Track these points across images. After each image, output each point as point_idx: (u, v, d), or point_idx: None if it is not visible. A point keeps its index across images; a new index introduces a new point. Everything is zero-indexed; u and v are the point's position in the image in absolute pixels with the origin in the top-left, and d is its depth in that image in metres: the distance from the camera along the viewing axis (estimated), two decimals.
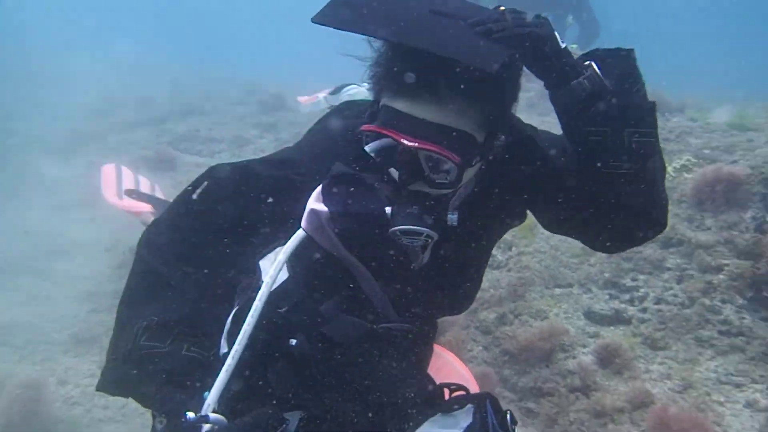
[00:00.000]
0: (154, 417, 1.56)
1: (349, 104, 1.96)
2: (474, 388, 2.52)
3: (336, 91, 3.16)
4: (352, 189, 1.55)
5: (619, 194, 1.58)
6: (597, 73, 1.48)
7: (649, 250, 4.49)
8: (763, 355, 3.56)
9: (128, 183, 4.46)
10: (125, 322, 1.63)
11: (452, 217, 1.54)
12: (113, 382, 1.63)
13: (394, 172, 1.54)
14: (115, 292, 6.33)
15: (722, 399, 3.43)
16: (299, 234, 1.60)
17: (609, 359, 3.96)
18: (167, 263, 1.67)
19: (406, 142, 1.42)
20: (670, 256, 4.40)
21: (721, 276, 4.00)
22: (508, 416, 1.67)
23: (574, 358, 4.09)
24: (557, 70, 1.48)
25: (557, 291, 4.76)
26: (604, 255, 4.73)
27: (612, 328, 4.29)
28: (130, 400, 3.98)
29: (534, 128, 1.80)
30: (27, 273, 6.88)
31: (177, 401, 1.50)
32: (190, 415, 1.41)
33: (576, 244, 5.05)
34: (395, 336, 1.74)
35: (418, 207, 1.49)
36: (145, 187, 4.49)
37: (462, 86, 1.39)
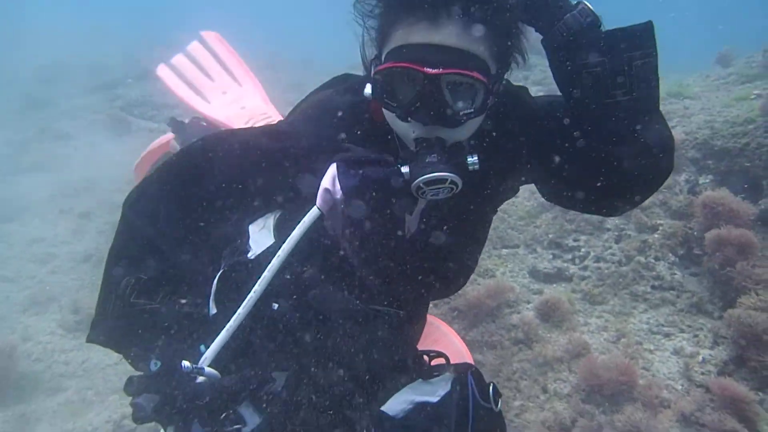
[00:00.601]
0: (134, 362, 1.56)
1: (345, 77, 1.91)
2: (468, 361, 2.51)
3: None
4: (365, 164, 1.48)
5: (620, 131, 1.52)
6: (588, 6, 1.47)
7: None
8: (690, 307, 3.77)
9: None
10: (114, 280, 1.61)
11: (472, 160, 1.48)
12: (105, 335, 1.62)
13: (409, 128, 1.47)
14: (72, 253, 6.29)
15: (652, 347, 3.63)
16: (314, 212, 1.54)
17: (549, 314, 4.14)
18: (154, 224, 1.63)
19: (428, 70, 1.35)
20: (609, 218, 4.58)
21: (656, 235, 4.20)
22: (491, 388, 1.65)
23: (518, 313, 4.25)
24: (551, 7, 1.49)
25: (504, 251, 4.91)
26: (549, 217, 4.90)
27: (554, 285, 4.47)
28: (91, 356, 4.02)
29: (524, 88, 1.73)
30: None
31: (174, 349, 1.51)
32: (186, 364, 1.40)
33: (522, 207, 5.22)
34: (384, 318, 1.68)
35: (437, 155, 1.43)
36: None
37: (475, 11, 1.35)
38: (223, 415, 1.44)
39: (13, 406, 4.04)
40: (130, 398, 1.40)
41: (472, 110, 1.41)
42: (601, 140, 1.55)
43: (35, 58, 14.92)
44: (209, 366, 1.50)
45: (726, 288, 3.68)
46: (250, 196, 1.66)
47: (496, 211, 1.86)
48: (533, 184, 1.87)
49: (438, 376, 1.63)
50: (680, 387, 3.30)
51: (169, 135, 3.95)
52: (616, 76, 1.48)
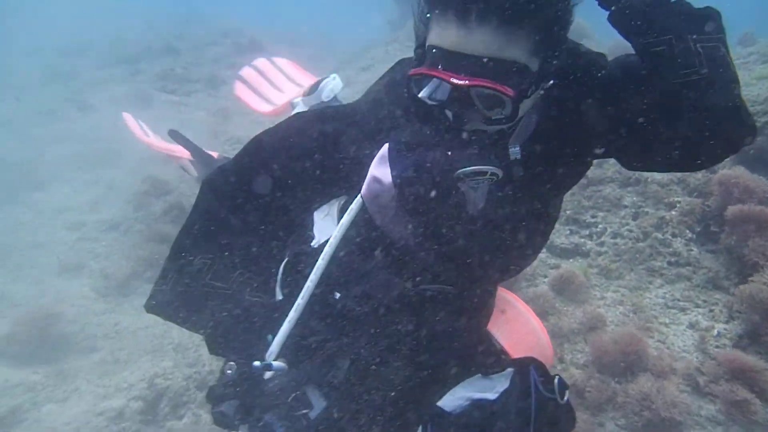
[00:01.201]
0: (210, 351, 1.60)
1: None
2: (545, 340, 2.45)
3: (312, 90, 2.82)
4: (414, 149, 1.46)
5: (697, 101, 1.41)
6: None
7: (608, 189, 4.70)
8: (706, 282, 3.81)
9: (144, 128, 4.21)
10: (184, 255, 1.63)
11: (514, 151, 1.46)
12: (166, 307, 1.66)
13: (449, 114, 1.43)
14: (99, 222, 6.40)
15: (667, 321, 3.69)
16: (359, 200, 1.54)
17: (565, 287, 4.19)
18: (230, 207, 1.65)
19: (455, 81, 1.32)
20: (627, 195, 4.61)
21: (674, 212, 4.23)
22: (556, 380, 1.60)
23: (535, 286, 4.31)
24: None
25: None
26: (567, 194, 4.93)
27: (571, 260, 4.52)
28: (121, 319, 4.12)
29: (601, 54, 1.60)
30: (9, 203, 6.84)
31: (244, 342, 1.55)
32: (256, 364, 1.43)
33: None
34: (437, 298, 1.65)
35: (477, 146, 1.40)
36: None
37: (508, 11, 1.27)
38: (292, 396, 1.47)
39: (53, 364, 4.18)
40: (211, 405, 1.46)
41: (503, 117, 1.36)
42: (682, 105, 1.44)
43: (56, 32, 14.98)
44: (278, 357, 1.52)
45: (742, 264, 3.72)
46: (315, 180, 1.65)
47: (571, 187, 1.77)
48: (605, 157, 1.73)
49: (498, 372, 1.59)
50: (695, 359, 3.36)
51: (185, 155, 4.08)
52: (689, 53, 1.39)
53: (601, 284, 4.19)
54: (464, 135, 1.40)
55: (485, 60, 1.30)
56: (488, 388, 1.57)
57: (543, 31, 1.33)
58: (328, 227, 1.69)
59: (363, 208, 1.54)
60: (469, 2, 1.27)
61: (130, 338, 4.48)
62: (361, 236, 1.59)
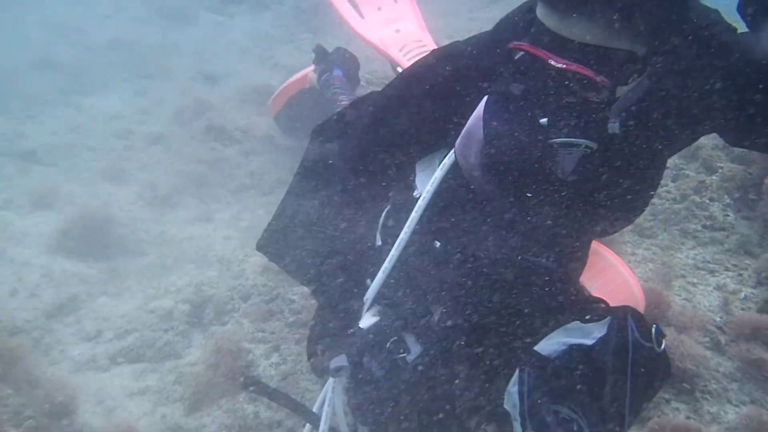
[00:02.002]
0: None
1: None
2: (637, 291, 2.49)
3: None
4: (510, 108, 1.46)
5: None
6: None
7: None
8: (738, 247, 3.88)
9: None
10: (298, 201, 1.71)
11: (614, 125, 1.42)
12: (275, 249, 1.77)
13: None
14: (146, 133, 6.52)
15: (695, 281, 3.78)
16: (452, 156, 1.55)
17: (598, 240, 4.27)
18: (341, 153, 1.69)
19: (553, 63, 1.32)
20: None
21: (714, 177, 4.25)
22: (654, 329, 1.60)
23: None
24: None
25: None
26: None
27: None
28: (167, 228, 4.28)
29: (729, 29, 1.49)
30: (63, 105, 6.98)
31: (344, 289, 1.64)
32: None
33: None
34: (538, 269, 1.65)
35: (577, 116, 1.38)
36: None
37: (617, 6, 1.24)
38: (389, 342, 1.54)
39: (105, 261, 4.39)
40: (312, 357, 1.60)
41: (598, 100, 1.36)
42: None
43: None
44: (373, 303, 1.62)
45: None
46: (428, 127, 1.66)
47: (672, 156, 1.75)
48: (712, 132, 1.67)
49: (596, 320, 1.59)
50: (718, 319, 3.46)
51: (307, 69, 4.04)
52: None
53: (634, 241, 4.26)
54: (567, 100, 1.38)
55: (586, 46, 1.29)
56: (585, 335, 1.57)
57: (655, 18, 1.30)
58: (429, 179, 1.71)
59: (454, 165, 1.55)
60: None
61: (176, 247, 4.66)
62: (454, 189, 1.60)
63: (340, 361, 1.52)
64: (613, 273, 2.53)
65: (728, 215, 4.07)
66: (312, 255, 1.69)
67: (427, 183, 1.68)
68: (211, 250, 4.57)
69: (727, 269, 3.80)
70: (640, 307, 2.34)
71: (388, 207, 1.75)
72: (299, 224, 1.69)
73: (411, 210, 1.63)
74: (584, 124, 1.39)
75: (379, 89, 1.86)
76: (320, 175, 1.72)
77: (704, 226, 4.09)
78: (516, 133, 1.44)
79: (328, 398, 1.70)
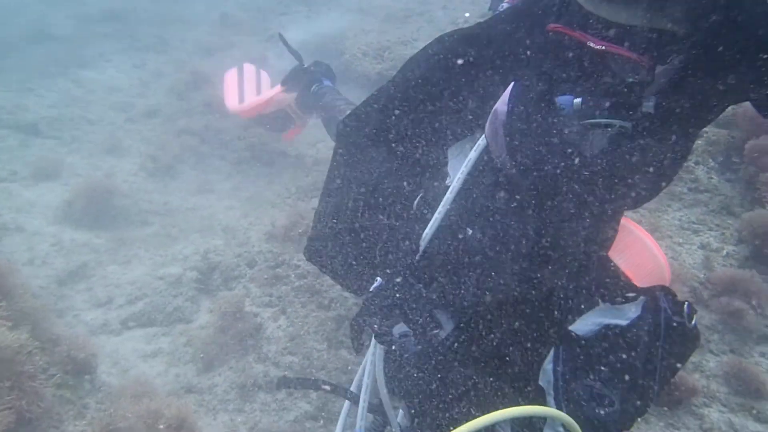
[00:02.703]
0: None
1: None
2: (664, 264, 2.38)
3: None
4: (539, 91, 1.44)
5: None
6: None
7: None
8: (721, 208, 4.00)
9: (250, 83, 4.46)
10: (332, 199, 1.69)
11: (648, 104, 1.39)
12: (322, 257, 1.76)
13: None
14: (146, 106, 6.53)
15: (681, 241, 3.91)
16: (482, 142, 1.54)
17: None
18: (373, 142, 1.66)
19: (592, 44, 1.31)
20: None
21: (699, 141, 4.35)
22: (686, 306, 1.60)
23: None
24: None
25: None
26: None
27: None
28: (170, 199, 4.36)
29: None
30: (61, 77, 6.96)
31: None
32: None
33: None
34: (566, 249, 1.62)
35: (610, 97, 1.36)
36: (265, 82, 4.56)
37: None
38: (422, 318, 1.55)
39: (112, 231, 4.48)
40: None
41: (636, 81, 1.33)
42: None
43: None
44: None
45: (755, 194, 3.90)
46: (456, 112, 1.64)
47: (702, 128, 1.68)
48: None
49: (629, 301, 1.59)
50: (702, 275, 3.60)
51: (272, 91, 4.17)
52: None
53: None
54: (604, 80, 1.37)
55: (624, 27, 1.27)
56: (620, 315, 1.58)
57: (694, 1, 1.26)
58: (461, 165, 1.70)
59: (487, 146, 1.53)
60: None
61: (180, 217, 4.75)
62: (486, 173, 1.59)
63: (402, 327, 1.54)
64: (641, 246, 2.46)
65: (712, 178, 4.19)
66: (358, 261, 1.68)
67: (459, 169, 1.69)
68: (215, 220, 4.66)
69: (710, 229, 3.93)
70: (666, 281, 2.41)
71: (421, 194, 1.73)
72: (341, 227, 1.67)
73: (443, 196, 1.64)
74: (618, 104, 1.37)
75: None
76: (355, 163, 1.70)
77: (690, 189, 4.21)
78: (541, 115, 1.42)
79: (368, 369, 1.72)
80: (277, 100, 4.34)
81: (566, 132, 1.44)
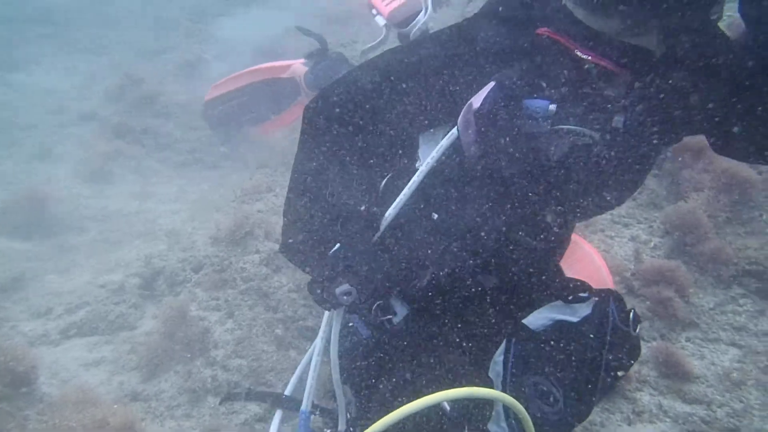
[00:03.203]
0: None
1: None
2: (608, 280, 2.57)
3: (404, 24, 2.70)
4: (517, 92, 1.47)
5: None
6: None
7: None
8: (648, 202, 4.21)
9: None
10: (304, 181, 1.63)
11: (618, 120, 1.43)
12: (295, 251, 1.70)
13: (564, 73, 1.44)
14: (80, 110, 6.30)
15: (612, 234, 4.09)
16: (454, 132, 1.56)
17: None
18: (339, 127, 1.63)
19: (579, 53, 1.34)
20: None
21: None
22: (632, 314, 1.65)
23: None
24: None
25: None
26: None
27: None
28: (108, 204, 4.24)
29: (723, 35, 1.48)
30: None
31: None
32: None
33: None
34: (523, 246, 1.67)
35: (583, 107, 1.40)
36: None
37: (641, 4, 1.28)
38: (375, 305, 1.55)
39: (50, 238, 4.32)
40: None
41: (614, 94, 1.38)
42: None
43: None
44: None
45: (678, 188, 4.12)
46: (435, 101, 1.64)
47: (660, 153, 1.73)
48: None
49: (580, 300, 1.63)
50: (632, 266, 3.78)
51: (293, 61, 3.99)
52: None
53: None
54: (581, 90, 1.41)
55: (610, 40, 1.32)
56: (571, 313, 1.63)
57: (674, 21, 1.33)
58: (431, 150, 1.72)
59: (455, 141, 1.57)
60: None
61: (121, 221, 4.63)
62: (454, 162, 1.62)
63: (345, 287, 1.50)
64: (588, 260, 2.69)
65: None
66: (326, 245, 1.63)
67: (429, 154, 1.69)
68: (157, 224, 4.57)
69: (639, 222, 4.13)
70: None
71: (389, 175, 1.74)
72: (311, 213, 1.63)
73: (411, 178, 1.64)
74: (591, 115, 1.41)
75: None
76: (321, 144, 1.66)
77: None
78: (513, 115, 1.45)
79: (319, 347, 1.70)
80: (293, 68, 4.27)
81: (535, 134, 1.48)
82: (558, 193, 1.63)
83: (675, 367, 2.99)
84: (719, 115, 1.48)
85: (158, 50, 7.58)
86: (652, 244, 3.89)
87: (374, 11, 2.88)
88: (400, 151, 1.74)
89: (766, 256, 3.47)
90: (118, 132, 5.75)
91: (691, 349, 3.16)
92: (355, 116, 1.64)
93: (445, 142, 1.57)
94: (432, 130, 1.75)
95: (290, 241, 1.69)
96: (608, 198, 1.71)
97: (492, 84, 1.51)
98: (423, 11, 2.70)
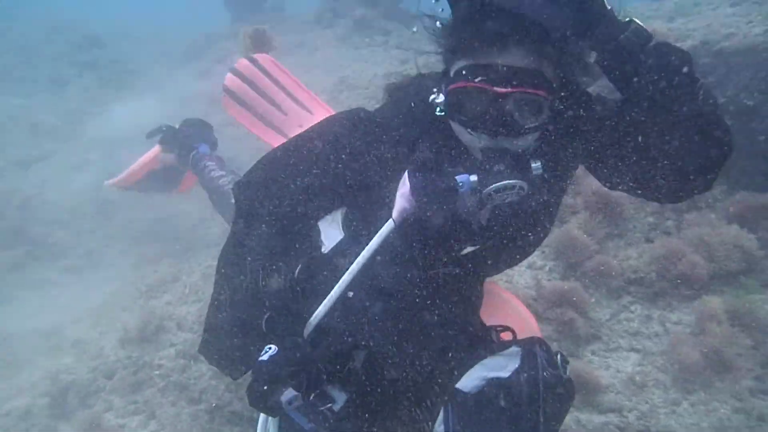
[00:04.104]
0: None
1: (420, 76, 1.85)
2: (532, 326, 2.59)
3: None
4: (434, 175, 1.51)
5: (676, 119, 1.42)
6: (641, 26, 1.40)
7: None
8: None
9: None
10: (229, 271, 1.66)
11: (536, 166, 1.49)
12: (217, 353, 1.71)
13: (476, 139, 1.50)
14: None
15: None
16: (390, 224, 1.58)
17: None
18: (255, 220, 1.66)
19: (498, 89, 1.38)
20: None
21: None
22: (559, 357, 1.67)
23: None
24: (604, 27, 1.39)
25: None
26: None
27: None
28: (6, 324, 4.06)
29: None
30: None
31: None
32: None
33: None
34: (443, 280, 1.70)
35: (504, 164, 1.45)
36: None
37: (537, 35, 1.37)
38: (313, 395, 1.53)
39: None
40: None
41: (537, 124, 1.45)
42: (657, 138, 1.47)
43: None
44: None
45: (558, 214, 4.43)
46: (338, 187, 1.69)
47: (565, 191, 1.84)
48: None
49: (506, 349, 1.66)
50: (534, 293, 4.00)
51: (154, 150, 3.92)
52: (668, 92, 1.40)
53: None
54: (487, 157, 1.48)
55: (522, 70, 1.39)
56: (501, 367, 1.63)
57: (561, 58, 1.45)
58: (334, 234, 1.75)
59: (392, 229, 1.60)
60: (505, 32, 1.37)
61: (21, 341, 4.35)
62: (387, 255, 1.64)
63: (290, 393, 1.51)
64: (509, 308, 2.73)
65: None
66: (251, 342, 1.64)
67: (334, 239, 1.75)
68: (62, 337, 4.32)
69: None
70: (537, 334, 2.66)
71: (300, 266, 1.72)
72: (237, 311, 1.64)
73: (324, 266, 1.69)
74: (512, 168, 1.46)
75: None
76: (247, 237, 1.68)
77: None
78: (447, 198, 1.49)
79: None
80: (159, 158, 4.15)
81: (466, 208, 1.54)
82: (479, 255, 1.69)
83: (586, 381, 3.14)
84: (600, 153, 1.62)
85: (39, 157, 7.30)
86: (547, 268, 4.13)
87: None
88: (307, 239, 1.75)
89: (646, 262, 3.79)
90: (6, 246, 5.44)
91: (597, 362, 3.36)
92: (274, 204, 1.66)
93: (384, 230, 1.59)
94: (330, 215, 1.79)
95: (212, 342, 1.68)
96: (526, 247, 1.82)
97: (406, 177, 1.57)
98: None
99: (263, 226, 1.66)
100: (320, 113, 3.25)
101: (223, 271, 1.71)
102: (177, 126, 4.25)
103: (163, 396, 3.58)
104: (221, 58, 9.73)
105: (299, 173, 1.67)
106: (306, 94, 3.42)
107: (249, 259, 1.63)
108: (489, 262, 1.75)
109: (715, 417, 2.85)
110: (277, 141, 3.05)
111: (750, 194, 3.97)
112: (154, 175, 4.32)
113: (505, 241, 1.71)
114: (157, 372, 3.72)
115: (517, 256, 1.90)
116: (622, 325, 3.55)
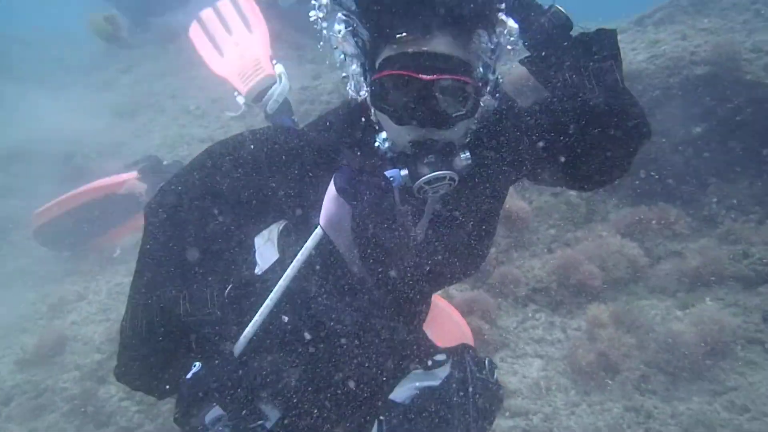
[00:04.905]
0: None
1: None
2: (466, 333, 2.67)
3: (258, 99, 2.76)
4: (361, 176, 1.50)
5: (598, 107, 1.53)
6: (560, 10, 1.55)
7: None
8: None
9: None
10: (149, 292, 1.53)
11: (465, 156, 1.48)
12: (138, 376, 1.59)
13: (403, 132, 1.47)
14: None
15: None
16: (318, 232, 1.55)
17: None
18: (178, 235, 1.56)
19: (424, 76, 1.35)
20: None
21: None
22: (487, 362, 1.71)
23: None
24: (528, 11, 1.58)
25: None
26: None
27: None
28: None
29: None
30: None
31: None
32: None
33: None
34: (383, 330, 1.67)
35: (433, 155, 1.44)
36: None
37: (461, 20, 1.37)
38: (244, 411, 1.48)
39: None
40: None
41: (464, 112, 1.43)
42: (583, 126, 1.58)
43: None
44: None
45: None
46: (260, 202, 1.62)
47: (502, 204, 1.82)
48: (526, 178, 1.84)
49: (438, 366, 1.69)
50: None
51: (124, 175, 3.71)
52: (583, 78, 1.53)
53: None
54: (415, 150, 1.46)
55: (446, 57, 1.37)
56: (432, 377, 1.67)
57: (485, 45, 1.44)
58: (270, 254, 1.73)
59: (321, 240, 1.56)
60: (422, 19, 1.35)
61: None
62: (318, 265, 1.60)
63: (217, 411, 1.45)
64: (446, 316, 2.81)
65: None
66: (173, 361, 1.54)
67: (269, 257, 1.72)
68: None
69: None
70: (470, 340, 2.74)
71: (230, 286, 1.67)
72: (154, 330, 1.51)
73: (257, 287, 1.65)
74: (442, 160, 1.45)
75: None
76: (168, 234, 1.57)
77: None
78: (377, 198, 1.48)
79: None
80: (128, 185, 3.97)
81: (400, 211, 1.52)
82: (420, 269, 1.66)
83: None
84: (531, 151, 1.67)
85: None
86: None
87: (235, 93, 2.93)
88: (237, 257, 1.68)
89: (548, 272, 4.00)
90: None
91: (505, 368, 3.51)
92: (190, 212, 1.58)
93: (310, 243, 1.56)
94: (266, 231, 1.75)
95: (129, 362, 1.57)
96: (469, 259, 1.76)
97: (332, 184, 1.54)
98: (277, 83, 2.76)
99: (178, 248, 1.57)
100: (257, 33, 3.05)
101: (137, 297, 1.59)
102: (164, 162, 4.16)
103: (67, 421, 3.39)
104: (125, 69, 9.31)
105: (215, 193, 1.58)
106: (255, 16, 3.13)
107: (168, 284, 1.54)
108: (429, 279, 1.72)
109: (610, 416, 3.06)
110: (213, 61, 3.02)
111: (634, 208, 4.32)
112: (110, 199, 4.15)
113: (447, 254, 1.67)
114: (60, 395, 3.52)
115: (460, 272, 1.84)
116: (528, 333, 3.73)
